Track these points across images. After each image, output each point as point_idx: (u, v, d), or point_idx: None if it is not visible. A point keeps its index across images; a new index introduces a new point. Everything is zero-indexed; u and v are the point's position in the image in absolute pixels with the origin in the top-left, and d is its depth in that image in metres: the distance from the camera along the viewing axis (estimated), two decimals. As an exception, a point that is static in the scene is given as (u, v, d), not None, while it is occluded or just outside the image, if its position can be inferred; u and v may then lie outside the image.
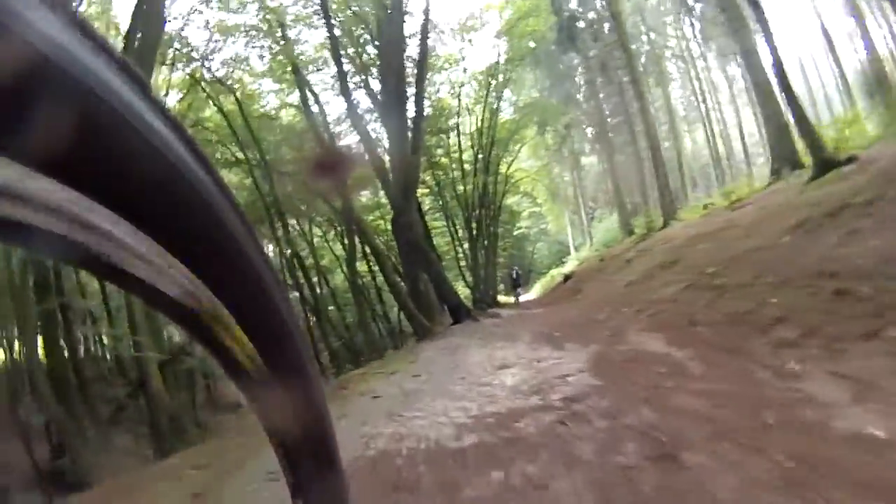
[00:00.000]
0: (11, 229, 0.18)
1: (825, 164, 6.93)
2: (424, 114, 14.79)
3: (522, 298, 19.05)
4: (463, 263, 21.01)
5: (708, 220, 9.92)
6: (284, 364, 0.37)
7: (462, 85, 19.14)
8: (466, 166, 19.95)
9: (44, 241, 0.19)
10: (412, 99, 13.41)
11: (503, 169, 21.09)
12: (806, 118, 7.80)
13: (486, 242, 20.54)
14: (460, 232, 21.29)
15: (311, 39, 15.09)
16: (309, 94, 14.53)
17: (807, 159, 10.83)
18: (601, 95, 21.63)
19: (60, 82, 0.16)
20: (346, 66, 14.16)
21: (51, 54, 0.16)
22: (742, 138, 20.51)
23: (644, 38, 22.74)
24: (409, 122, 13.35)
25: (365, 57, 14.97)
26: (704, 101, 21.35)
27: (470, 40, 18.04)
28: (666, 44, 23.89)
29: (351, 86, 14.29)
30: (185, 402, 10.12)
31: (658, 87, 22.82)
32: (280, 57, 14.44)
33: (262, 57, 14.83)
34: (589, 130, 24.69)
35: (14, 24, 0.15)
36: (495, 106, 19.45)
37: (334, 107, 23.88)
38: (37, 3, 0.16)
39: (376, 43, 14.29)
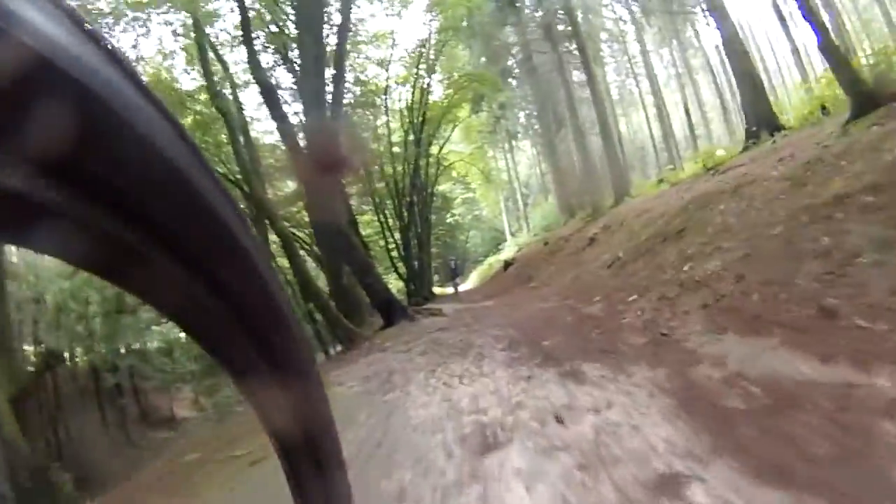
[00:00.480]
0: (14, 228, 0.18)
1: (867, 101, 5.54)
2: (347, 87, 13.03)
3: (461, 289, 18.49)
4: (395, 254, 18.78)
5: (684, 189, 8.21)
6: (285, 362, 0.35)
7: (391, 61, 17.26)
8: (396, 149, 17.78)
9: (46, 239, 0.18)
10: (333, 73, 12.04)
11: (435, 151, 19.21)
12: (837, 49, 6.26)
13: (419, 231, 18.53)
14: (391, 221, 19.03)
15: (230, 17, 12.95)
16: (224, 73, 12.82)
17: (785, 120, 9.62)
18: (540, 72, 20.05)
19: (56, 79, 0.16)
20: (266, 42, 12.89)
21: (46, 51, 0.15)
22: (688, 116, 19.85)
23: (580, 17, 21.51)
24: (329, 95, 11.78)
25: (286, 31, 13.25)
26: (650, 80, 20.49)
27: (399, 13, 16.32)
28: (603, 26, 22.83)
29: (269, 63, 13.01)
30: (115, 419, 9.45)
31: (597, 68, 21.68)
32: (191, 33, 12.04)
33: (175, 32, 12.54)
34: (522, 114, 23.40)
35: (10, 22, 0.14)
36: (427, 82, 17.51)
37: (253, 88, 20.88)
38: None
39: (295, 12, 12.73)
